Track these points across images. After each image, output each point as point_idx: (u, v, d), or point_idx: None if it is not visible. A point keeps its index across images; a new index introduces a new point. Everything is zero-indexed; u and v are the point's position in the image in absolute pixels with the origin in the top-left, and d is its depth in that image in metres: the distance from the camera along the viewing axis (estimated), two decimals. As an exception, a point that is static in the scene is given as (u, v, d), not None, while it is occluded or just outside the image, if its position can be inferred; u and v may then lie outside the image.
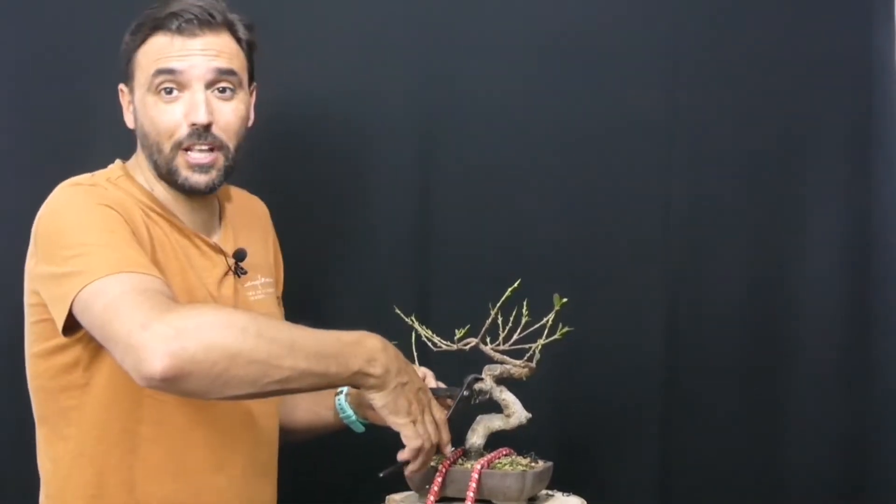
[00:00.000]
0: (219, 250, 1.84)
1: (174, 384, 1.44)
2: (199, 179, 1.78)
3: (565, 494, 1.78)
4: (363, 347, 1.57)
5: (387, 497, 1.77)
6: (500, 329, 1.71)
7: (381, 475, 1.67)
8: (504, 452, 1.76)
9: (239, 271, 1.86)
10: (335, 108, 2.27)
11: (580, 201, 2.32)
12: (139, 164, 1.83)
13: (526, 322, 1.70)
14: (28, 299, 1.76)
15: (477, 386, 1.77)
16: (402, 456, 1.63)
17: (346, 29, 2.28)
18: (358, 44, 2.28)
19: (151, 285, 1.55)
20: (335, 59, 2.28)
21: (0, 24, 2.25)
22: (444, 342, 1.74)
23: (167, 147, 1.77)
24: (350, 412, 1.95)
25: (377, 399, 1.59)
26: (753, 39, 2.32)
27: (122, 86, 1.85)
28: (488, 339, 1.72)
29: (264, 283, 1.93)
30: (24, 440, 1.88)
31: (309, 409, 2.00)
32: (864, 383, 2.32)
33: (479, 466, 1.68)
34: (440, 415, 1.67)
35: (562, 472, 1.79)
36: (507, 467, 1.72)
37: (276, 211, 2.05)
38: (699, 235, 2.32)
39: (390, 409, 1.60)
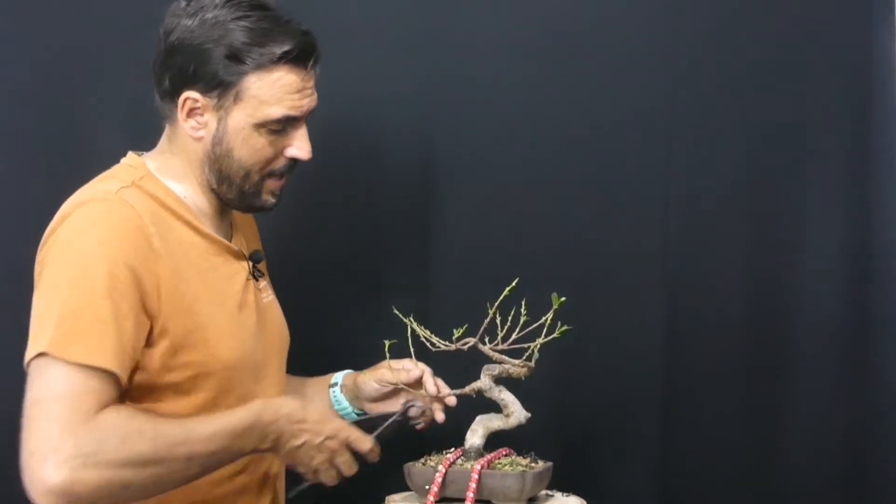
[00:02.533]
0: (241, 256, 1.83)
1: None
2: (273, 201, 1.81)
3: (565, 495, 1.78)
4: (253, 432, 1.64)
5: (387, 497, 1.78)
6: (499, 329, 1.71)
7: (290, 496, 1.80)
8: (504, 453, 1.76)
9: (256, 274, 1.85)
10: (336, 109, 2.26)
11: (580, 201, 2.32)
12: (170, 168, 1.77)
13: (524, 321, 1.70)
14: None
15: (412, 412, 1.84)
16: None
17: (347, 30, 2.28)
18: (359, 45, 2.28)
19: (96, 384, 1.55)
20: (336, 59, 2.27)
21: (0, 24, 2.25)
22: (443, 342, 1.74)
23: (257, 176, 1.76)
24: (346, 404, 1.96)
25: (283, 458, 1.72)
26: (753, 39, 2.32)
27: (192, 94, 1.71)
28: (487, 339, 1.73)
29: (267, 280, 1.92)
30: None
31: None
32: (864, 383, 2.31)
33: (478, 467, 1.69)
34: (362, 444, 1.72)
35: (562, 473, 1.79)
36: (506, 467, 1.72)
37: (276, 211, 2.05)
38: (699, 236, 2.32)
39: (293, 463, 1.71)
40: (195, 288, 1.69)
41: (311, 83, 1.75)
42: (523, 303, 1.69)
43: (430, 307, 2.19)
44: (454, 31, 2.31)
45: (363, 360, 2.01)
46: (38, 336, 1.58)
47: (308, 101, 1.75)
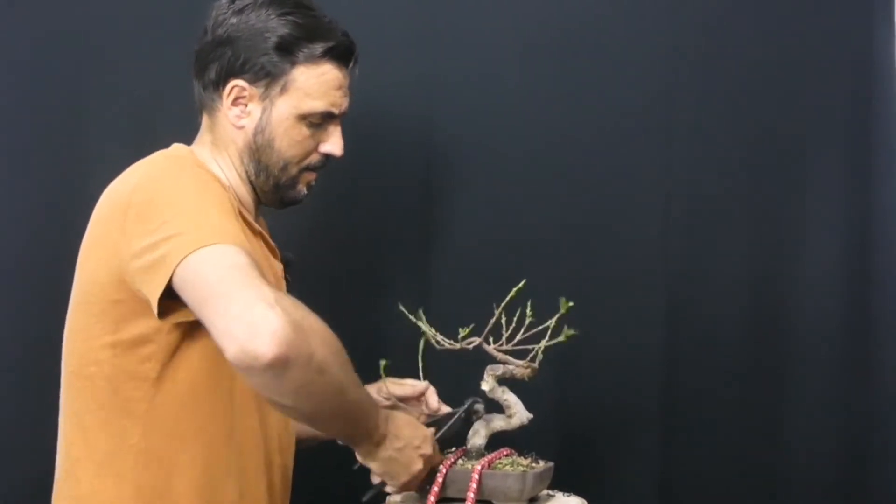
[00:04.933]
0: (276, 254, 1.84)
1: (272, 371, 1.40)
2: (305, 193, 1.84)
3: (566, 495, 1.78)
4: (374, 411, 1.62)
5: (387, 497, 1.77)
6: (504, 329, 1.71)
7: (364, 500, 1.72)
8: (505, 453, 1.76)
9: (287, 276, 1.86)
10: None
11: (580, 200, 2.32)
12: (214, 158, 1.79)
13: (529, 323, 1.70)
14: (94, 276, 1.65)
15: (476, 407, 1.81)
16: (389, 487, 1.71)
17: (347, 29, 2.28)
18: (359, 40, 2.27)
19: (257, 263, 1.50)
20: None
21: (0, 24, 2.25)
22: (448, 341, 1.74)
23: (295, 169, 1.79)
24: None
25: (375, 467, 1.66)
26: (753, 39, 2.32)
27: (240, 83, 1.75)
28: (491, 339, 1.72)
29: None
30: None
31: None
32: (864, 383, 2.31)
33: (479, 467, 1.68)
34: (437, 457, 1.71)
35: (562, 473, 1.79)
36: (507, 468, 1.72)
37: (279, 211, 2.05)
38: (699, 235, 2.32)
39: (387, 475, 1.67)
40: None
41: (349, 83, 1.81)
42: (529, 304, 1.68)
43: (431, 307, 2.19)
44: (454, 31, 2.31)
45: (364, 359, 2.01)
46: (178, 245, 1.49)
47: (346, 101, 1.80)
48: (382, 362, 1.81)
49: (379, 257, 2.32)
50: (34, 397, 1.88)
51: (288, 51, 1.74)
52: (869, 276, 2.32)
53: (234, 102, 1.76)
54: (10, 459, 2.16)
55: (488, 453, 1.75)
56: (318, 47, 1.75)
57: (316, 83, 1.76)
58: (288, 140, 1.77)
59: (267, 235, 1.84)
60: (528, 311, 1.69)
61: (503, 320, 1.70)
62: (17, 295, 2.14)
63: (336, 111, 1.79)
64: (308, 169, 1.81)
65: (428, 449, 1.68)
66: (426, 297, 2.25)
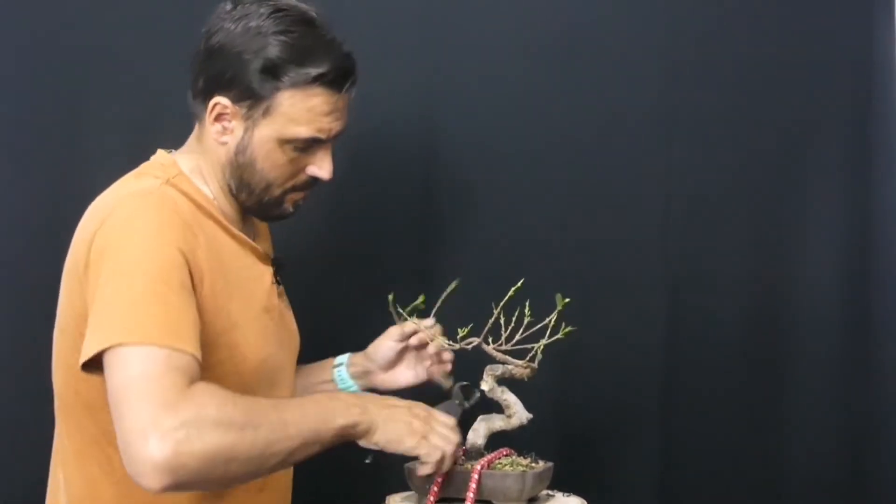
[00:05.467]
0: (266, 259, 1.81)
1: (173, 491, 1.46)
2: (291, 211, 1.80)
3: (565, 495, 1.78)
4: (339, 401, 1.61)
5: (387, 497, 1.77)
6: (503, 329, 1.71)
7: (367, 461, 1.70)
8: (504, 453, 1.76)
9: (278, 278, 1.84)
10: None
11: (579, 201, 2.32)
12: (199, 167, 1.75)
13: (528, 322, 1.70)
14: (68, 305, 1.67)
15: (465, 387, 1.81)
16: (423, 471, 1.66)
17: (347, 29, 2.27)
18: (359, 44, 2.27)
19: (176, 363, 1.50)
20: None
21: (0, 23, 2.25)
22: (447, 341, 1.74)
23: (279, 190, 1.74)
24: (350, 382, 1.95)
25: (378, 438, 1.62)
26: (753, 39, 2.32)
27: (222, 100, 1.69)
28: (490, 339, 1.72)
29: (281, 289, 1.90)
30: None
31: (301, 387, 1.95)
32: (864, 383, 2.32)
33: (479, 467, 1.68)
34: (446, 419, 1.69)
35: (562, 473, 1.78)
36: (507, 468, 1.72)
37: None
38: (699, 235, 2.32)
39: (394, 440, 1.63)
40: (229, 287, 1.68)
41: (344, 106, 1.73)
42: (527, 303, 1.68)
43: (432, 306, 2.19)
44: (455, 31, 2.31)
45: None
46: (108, 327, 1.52)
47: (337, 125, 1.73)
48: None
49: (379, 257, 2.32)
50: (33, 398, 1.88)
51: (274, 74, 1.67)
52: (869, 276, 2.32)
53: (217, 119, 1.70)
54: (10, 460, 2.17)
55: (487, 453, 1.75)
56: (309, 72, 1.67)
57: (302, 109, 1.68)
58: (270, 163, 1.71)
59: (255, 241, 1.81)
60: (527, 311, 1.69)
61: (502, 320, 1.70)
62: (17, 295, 2.14)
63: (323, 136, 1.71)
64: (294, 189, 1.76)
65: (420, 410, 1.66)
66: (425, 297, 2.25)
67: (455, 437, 1.67)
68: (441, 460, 1.64)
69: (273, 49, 1.67)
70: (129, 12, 2.26)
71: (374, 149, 2.28)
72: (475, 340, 1.72)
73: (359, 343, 2.03)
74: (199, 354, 1.54)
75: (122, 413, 1.46)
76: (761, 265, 2.33)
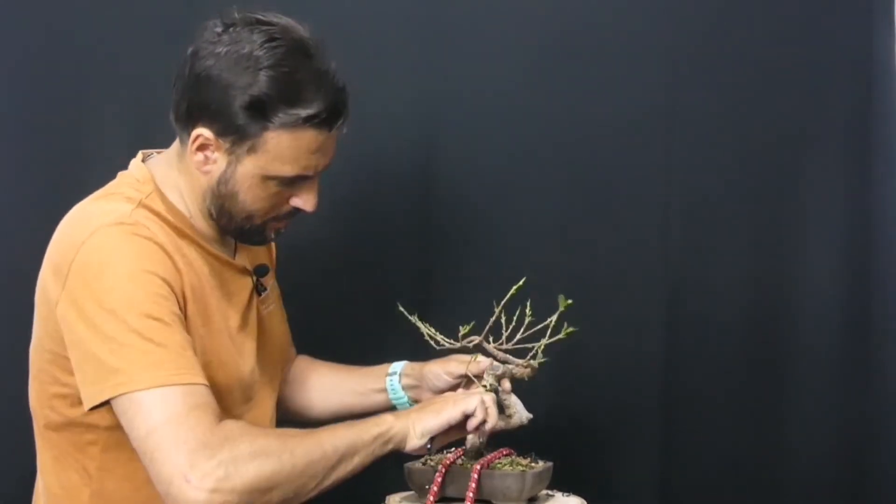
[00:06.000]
0: (245, 272, 1.80)
1: None
2: (272, 237, 1.79)
3: (565, 495, 1.78)
4: (369, 419, 1.64)
5: (387, 497, 1.77)
6: (504, 328, 1.71)
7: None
8: (504, 452, 1.76)
9: (260, 289, 1.83)
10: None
11: (580, 201, 2.32)
12: (176, 185, 1.70)
13: (529, 322, 1.70)
14: (42, 323, 1.67)
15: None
16: (472, 423, 1.68)
17: (347, 30, 2.28)
18: (359, 44, 2.27)
19: (195, 399, 1.52)
20: (336, 59, 2.27)
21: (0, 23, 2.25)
22: (447, 340, 1.74)
23: (260, 220, 1.70)
24: (402, 393, 1.94)
25: (419, 431, 1.65)
26: (753, 39, 2.31)
27: (205, 133, 1.62)
28: (491, 339, 1.72)
29: (272, 284, 1.90)
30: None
31: (353, 391, 1.98)
32: (864, 383, 2.31)
33: (478, 466, 1.68)
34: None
35: (562, 473, 1.78)
36: (506, 467, 1.72)
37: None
38: (699, 236, 2.32)
39: (432, 420, 1.66)
40: (204, 310, 1.67)
41: (333, 143, 1.67)
42: (528, 303, 1.68)
43: (431, 308, 2.19)
44: (455, 32, 2.31)
45: (366, 358, 2.02)
46: (114, 372, 1.52)
47: (325, 160, 1.67)
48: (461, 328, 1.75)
49: (379, 258, 2.32)
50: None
51: (262, 113, 1.59)
52: (869, 276, 2.32)
53: (200, 149, 1.64)
54: (10, 460, 2.17)
55: (487, 453, 1.75)
56: (298, 113, 1.60)
57: (288, 148, 1.62)
58: (252, 196, 1.66)
59: (235, 253, 1.79)
60: (528, 311, 1.68)
61: (503, 319, 1.70)
62: (17, 296, 2.14)
63: (310, 173, 1.67)
64: (276, 219, 1.72)
65: (448, 394, 1.71)
66: (426, 297, 2.25)
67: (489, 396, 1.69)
68: (486, 409, 1.67)
69: (262, 86, 1.59)
70: (130, 12, 2.26)
71: (375, 148, 2.28)
72: (476, 339, 1.72)
73: (359, 342, 2.03)
74: (206, 380, 1.55)
75: (156, 459, 1.48)
76: (761, 265, 2.33)
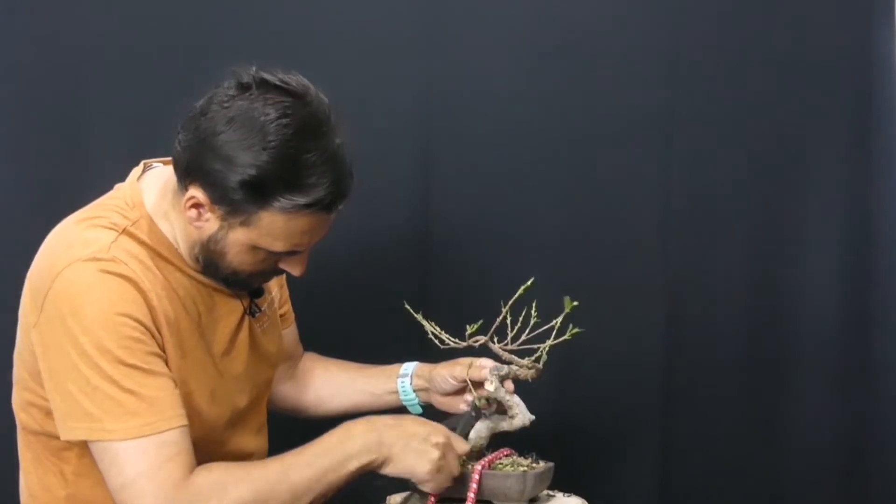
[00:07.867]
0: (235, 295, 1.77)
1: None
2: (257, 287, 1.77)
3: (566, 495, 1.78)
4: (351, 442, 1.62)
5: (387, 497, 1.77)
6: (509, 329, 1.70)
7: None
8: (505, 453, 1.76)
9: (255, 311, 1.81)
10: (337, 107, 2.26)
11: (579, 201, 2.32)
12: (167, 215, 1.67)
13: (534, 323, 1.69)
14: (25, 340, 1.67)
15: (480, 404, 1.79)
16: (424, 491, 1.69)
17: (347, 30, 2.28)
18: (358, 44, 2.27)
19: (167, 451, 1.54)
20: (336, 60, 2.27)
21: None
22: (453, 339, 1.73)
23: (246, 276, 1.68)
24: (413, 395, 1.93)
25: (391, 469, 1.64)
26: (753, 39, 2.32)
27: (200, 196, 1.57)
28: (496, 339, 1.72)
29: (270, 299, 1.88)
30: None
31: (365, 391, 1.97)
32: (864, 383, 2.32)
33: (479, 467, 1.68)
34: (460, 445, 1.70)
35: (563, 473, 1.78)
36: (508, 468, 1.72)
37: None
38: (699, 235, 2.32)
39: (407, 470, 1.65)
40: (186, 341, 1.67)
41: (329, 222, 1.63)
42: (534, 304, 1.68)
43: (431, 309, 2.19)
44: (454, 33, 2.31)
45: (366, 358, 2.02)
46: (89, 417, 1.54)
47: (318, 238, 1.64)
48: (469, 327, 1.73)
49: (380, 258, 2.31)
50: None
51: (260, 194, 1.55)
52: (869, 276, 2.32)
53: (193, 206, 1.60)
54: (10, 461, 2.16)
55: (489, 453, 1.75)
56: (298, 200, 1.55)
57: (282, 228, 1.58)
58: (240, 259, 1.64)
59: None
60: (534, 311, 1.68)
61: (508, 320, 1.69)
62: (17, 295, 2.14)
63: (301, 250, 1.64)
64: (263, 275, 1.71)
65: (440, 437, 1.65)
66: (427, 297, 2.25)
67: (457, 471, 1.68)
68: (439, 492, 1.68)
69: (265, 168, 1.53)
70: (130, 12, 2.26)
71: (376, 149, 2.27)
72: (482, 338, 1.72)
73: (359, 343, 2.03)
74: (185, 418, 1.57)
75: None
76: (761, 265, 2.33)
